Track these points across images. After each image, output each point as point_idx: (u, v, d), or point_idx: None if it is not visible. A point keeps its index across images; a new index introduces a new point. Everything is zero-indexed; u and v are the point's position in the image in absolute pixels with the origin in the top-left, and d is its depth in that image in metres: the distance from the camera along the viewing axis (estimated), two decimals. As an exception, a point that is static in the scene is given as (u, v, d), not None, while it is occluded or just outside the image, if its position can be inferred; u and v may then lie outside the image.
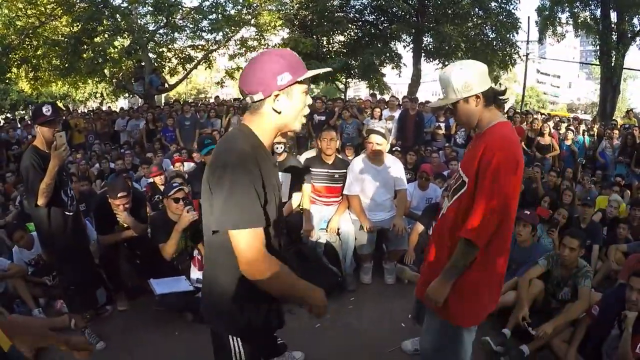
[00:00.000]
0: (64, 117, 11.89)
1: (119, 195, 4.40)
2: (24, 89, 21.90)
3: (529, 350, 3.69)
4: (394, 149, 7.54)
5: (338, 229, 5.06)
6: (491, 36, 20.34)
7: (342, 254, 5.00)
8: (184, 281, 4.35)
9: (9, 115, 25.50)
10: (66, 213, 3.78)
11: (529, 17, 24.82)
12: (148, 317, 4.41)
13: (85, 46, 16.77)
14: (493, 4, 20.08)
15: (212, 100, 18.21)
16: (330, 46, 21.69)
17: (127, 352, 3.89)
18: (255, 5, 17.64)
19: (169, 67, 19.56)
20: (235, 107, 12.60)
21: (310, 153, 5.86)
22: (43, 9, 16.25)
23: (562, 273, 4.07)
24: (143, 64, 17.71)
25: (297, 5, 19.37)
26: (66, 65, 17.05)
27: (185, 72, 19.83)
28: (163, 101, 21.32)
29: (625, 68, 20.61)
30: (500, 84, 25.70)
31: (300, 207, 5.22)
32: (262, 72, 1.75)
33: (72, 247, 3.85)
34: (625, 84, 48.48)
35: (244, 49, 19.12)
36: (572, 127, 11.48)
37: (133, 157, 9.45)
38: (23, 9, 16.02)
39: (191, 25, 18.02)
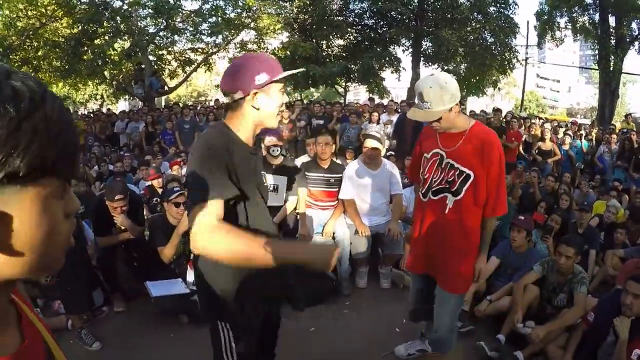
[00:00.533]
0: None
1: (116, 198, 4.43)
2: (24, 90, 21.85)
3: (523, 357, 3.68)
4: (388, 153, 7.55)
5: (333, 233, 5.07)
6: (490, 40, 20.37)
7: (338, 258, 5.00)
8: (180, 284, 4.37)
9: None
10: (62, 215, 3.80)
11: (528, 22, 24.93)
12: (144, 318, 4.43)
13: (85, 48, 16.81)
14: (492, 8, 20.14)
15: (212, 103, 18.24)
16: (329, 50, 21.71)
17: (123, 353, 3.90)
18: (254, 8, 17.67)
19: (168, 69, 19.62)
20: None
21: (306, 157, 5.89)
22: (44, 10, 16.32)
23: (557, 279, 4.06)
24: (143, 66, 17.76)
25: (297, 9, 19.39)
26: (66, 66, 17.10)
27: (185, 74, 19.87)
28: (163, 104, 21.32)
29: (624, 72, 20.66)
30: (499, 88, 25.90)
31: (296, 211, 5.24)
32: (241, 73, 1.92)
33: (70, 248, 3.85)
34: (624, 89, 48.53)
35: (243, 52, 19.15)
36: (569, 132, 11.49)
37: (132, 160, 9.45)
38: (24, 10, 16.09)
39: (191, 28, 18.10)
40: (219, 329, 2.03)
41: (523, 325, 3.85)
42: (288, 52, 18.85)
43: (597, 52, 20.04)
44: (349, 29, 21.32)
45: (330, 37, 21.01)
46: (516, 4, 20.37)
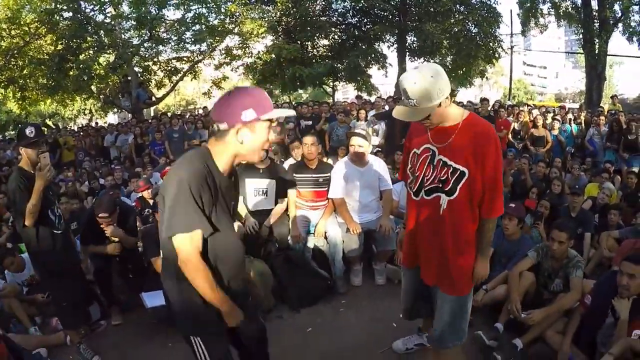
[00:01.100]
0: (48, 138, 11.85)
1: (100, 215, 4.46)
2: (12, 109, 21.84)
3: (522, 344, 3.67)
4: (375, 150, 7.56)
5: (325, 233, 5.09)
6: (474, 31, 20.38)
7: (331, 258, 5.03)
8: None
9: (-1, 136, 25.43)
10: (55, 232, 3.82)
11: (511, 10, 25.00)
12: (142, 330, 4.44)
13: (70, 64, 16.76)
14: (473, -1, 20.18)
15: (200, 111, 18.21)
16: (315, 51, 21.70)
17: (123, 366, 3.91)
18: (237, 14, 17.66)
19: (155, 80, 19.53)
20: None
21: (292, 160, 5.91)
22: (27, 29, 16.23)
23: (552, 264, 4.05)
24: (129, 78, 17.70)
25: (280, 12, 19.36)
26: (53, 83, 17.02)
27: (172, 84, 19.82)
28: (152, 114, 21.27)
29: (609, 55, 20.69)
30: (486, 77, 25.95)
31: (287, 213, 5.24)
32: (230, 106, 2.01)
33: (63, 264, 3.89)
34: (611, 71, 48.77)
35: (229, 58, 19.17)
36: (558, 117, 11.50)
37: (123, 172, 9.45)
38: (7, 30, 16.00)
39: (175, 38, 18.03)
40: (192, 342, 2.23)
41: (523, 314, 3.83)
42: (273, 56, 18.86)
43: (581, 36, 20.04)
44: (333, 29, 21.30)
45: (315, 37, 20.98)
46: (498, -7, 20.43)
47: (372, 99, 15.50)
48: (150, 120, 15.08)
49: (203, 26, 17.58)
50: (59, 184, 8.55)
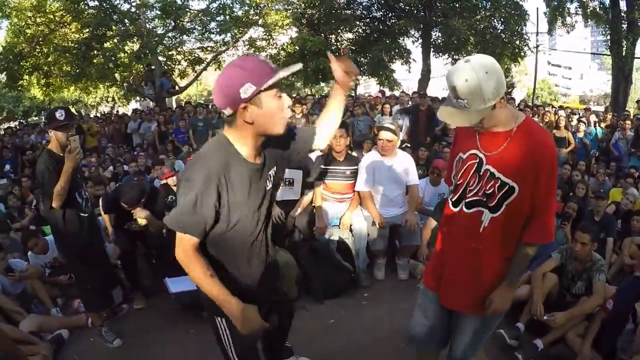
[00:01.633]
0: (77, 122, 12.01)
1: (121, 201, 4.47)
2: (36, 95, 22.14)
3: (542, 345, 3.67)
4: (404, 145, 7.53)
5: (350, 226, 5.08)
6: (500, 28, 20.15)
7: (355, 250, 5.01)
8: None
9: (22, 121, 25.77)
10: (81, 214, 3.83)
11: (537, 9, 24.62)
12: (164, 315, 4.46)
13: (95, 52, 16.91)
14: (501, -5, 19.92)
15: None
16: (338, 44, 21.61)
17: (144, 349, 3.94)
18: (262, 5, 17.67)
19: (178, 69, 19.67)
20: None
21: (317, 151, 5.90)
22: (52, 17, 16.47)
23: (576, 267, 4.03)
24: (153, 67, 17.83)
25: (304, 4, 19.32)
26: (77, 70, 17.26)
27: (195, 74, 19.93)
28: (174, 104, 21.42)
29: (636, 57, 20.34)
30: (511, 76, 25.61)
31: (313, 204, 5.25)
32: (226, 88, 1.80)
33: (88, 247, 3.90)
34: (638, 74, 47.91)
35: (252, 49, 19.19)
36: (583, 119, 11.33)
37: (146, 159, 9.51)
38: (32, 18, 16.24)
39: (199, 28, 18.12)
40: (217, 323, 2.17)
41: (546, 316, 3.81)
42: (297, 48, 18.83)
43: (608, 37, 19.71)
44: (357, 22, 21.17)
45: (339, 30, 20.89)
46: (525, -10, 20.14)
47: (397, 93, 15.41)
48: (174, 109, 15.18)
49: (227, 17, 17.62)
50: (81, 169, 8.65)
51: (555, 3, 20.48)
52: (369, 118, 10.54)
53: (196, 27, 18.17)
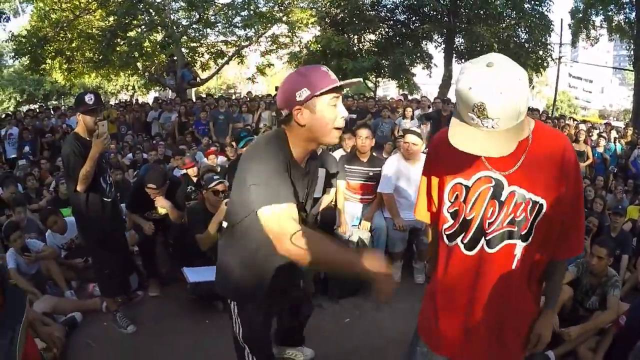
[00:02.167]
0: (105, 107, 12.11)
1: (149, 185, 4.46)
2: (57, 79, 22.30)
3: (554, 356, 3.64)
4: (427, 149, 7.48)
5: (370, 226, 5.06)
6: (524, 38, 20.02)
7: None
8: (217, 271, 4.38)
9: (42, 104, 25.98)
10: (104, 199, 3.84)
11: (562, 20, 24.46)
12: (180, 304, 4.46)
13: (119, 40, 17.03)
14: (526, 5, 19.77)
15: (243, 95, 18.34)
16: (361, 44, 21.61)
17: (158, 337, 3.93)
18: (287, 2, 17.70)
19: (200, 61, 19.78)
20: (266, 103, 12.66)
21: (341, 151, 5.89)
22: (77, 3, 16.63)
23: (591, 281, 4.01)
24: (175, 58, 17.92)
25: (329, 3, 19.35)
26: (100, 57, 17.38)
27: (217, 67, 20.00)
28: (194, 96, 21.53)
29: (659, 75, 20.09)
30: (532, 87, 25.35)
31: (334, 203, 5.22)
32: (287, 91, 1.93)
33: (109, 232, 3.91)
34: (659, 91, 47.30)
35: (275, 45, 19.22)
36: (604, 134, 11.20)
37: (165, 149, 9.54)
38: (58, 3, 16.40)
39: (223, 21, 18.18)
40: (230, 305, 2.30)
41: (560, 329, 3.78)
42: (320, 46, 18.83)
43: (632, 52, 19.48)
44: (381, 24, 21.18)
45: (362, 31, 20.91)
46: (551, 1, 19.98)
47: (418, 97, 15.36)
48: (194, 101, 15.24)
49: (252, 12, 17.66)
50: (107, 154, 8.70)
51: (581, 15, 20.31)
52: (391, 121, 10.51)
53: (220, 20, 18.24)
